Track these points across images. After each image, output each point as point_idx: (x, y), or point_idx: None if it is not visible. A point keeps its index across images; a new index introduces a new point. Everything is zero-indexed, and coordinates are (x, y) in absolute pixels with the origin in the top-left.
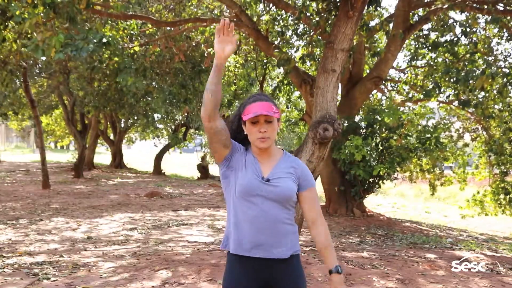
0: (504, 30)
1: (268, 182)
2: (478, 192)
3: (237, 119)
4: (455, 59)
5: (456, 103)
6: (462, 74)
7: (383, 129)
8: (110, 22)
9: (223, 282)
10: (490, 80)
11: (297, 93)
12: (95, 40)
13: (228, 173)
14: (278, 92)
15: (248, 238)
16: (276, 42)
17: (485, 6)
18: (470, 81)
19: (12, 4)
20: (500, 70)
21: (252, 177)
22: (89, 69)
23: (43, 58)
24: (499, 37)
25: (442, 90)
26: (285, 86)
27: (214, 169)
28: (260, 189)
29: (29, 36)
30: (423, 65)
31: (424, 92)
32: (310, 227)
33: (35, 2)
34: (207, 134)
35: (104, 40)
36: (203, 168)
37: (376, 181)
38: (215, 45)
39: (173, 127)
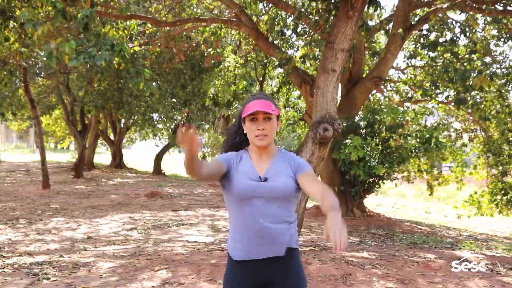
0: (504, 30)
1: (266, 181)
2: (475, 192)
3: (238, 120)
4: (454, 58)
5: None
6: (459, 73)
7: (383, 129)
8: (110, 22)
9: (223, 280)
10: (488, 80)
11: (296, 93)
12: (107, 47)
13: (225, 183)
14: (278, 93)
15: (248, 240)
16: (276, 42)
17: (485, 6)
18: (468, 80)
19: (13, 4)
20: (499, 70)
21: (248, 180)
22: (98, 73)
23: (45, 59)
24: (497, 39)
25: (440, 89)
26: (285, 86)
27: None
28: (257, 190)
29: (30, 36)
30: (422, 65)
31: (422, 92)
32: (320, 201)
33: (40, 5)
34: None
35: (116, 48)
36: None
37: (376, 181)
38: (182, 144)
39: (172, 126)
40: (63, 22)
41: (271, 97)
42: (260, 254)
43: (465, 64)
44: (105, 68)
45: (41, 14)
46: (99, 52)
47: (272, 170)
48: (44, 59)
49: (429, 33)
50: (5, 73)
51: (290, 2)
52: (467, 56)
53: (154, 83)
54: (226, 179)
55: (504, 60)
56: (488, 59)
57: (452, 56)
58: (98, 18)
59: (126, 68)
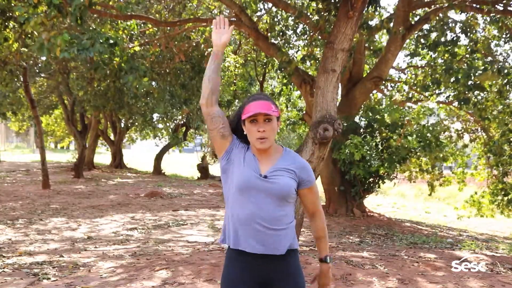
0: (504, 31)
1: (266, 179)
2: (475, 193)
3: (236, 119)
4: (454, 59)
5: (456, 103)
6: (464, 71)
7: (383, 129)
8: (110, 22)
9: (221, 278)
10: (496, 75)
11: (297, 93)
12: (100, 40)
13: (227, 167)
14: (280, 94)
15: (245, 233)
16: (276, 42)
17: (485, 6)
18: (471, 79)
19: (13, 4)
20: (499, 66)
21: (250, 173)
22: (92, 69)
23: (43, 58)
24: (498, 38)
25: (442, 89)
26: (287, 87)
27: (214, 169)
28: (257, 185)
29: (29, 36)
30: (423, 65)
31: (422, 87)
32: (310, 220)
33: (37, 2)
34: (206, 121)
35: (111, 41)
36: (203, 168)
37: (376, 181)
38: (213, 35)
39: (172, 126)
40: (58, 17)
41: (271, 98)
42: (254, 248)
43: (466, 63)
44: (99, 65)
45: (41, 14)
46: (93, 46)
47: (274, 169)
48: (36, 49)
49: (429, 33)
50: (6, 73)
51: (290, 2)
52: (468, 55)
53: (153, 83)
54: (230, 161)
55: (505, 59)
56: (490, 59)
57: (451, 57)
58: (97, 18)
59: (119, 65)
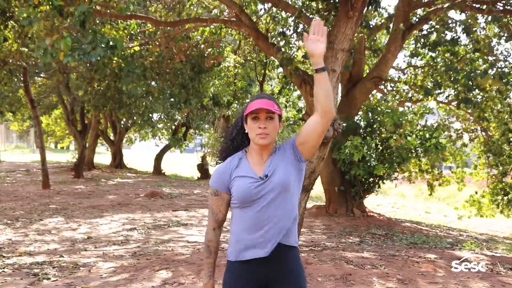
0: (504, 30)
1: (267, 178)
2: (476, 193)
3: (239, 119)
4: (454, 58)
5: (455, 103)
6: (464, 73)
7: (383, 129)
8: (110, 22)
9: (223, 279)
10: (497, 80)
11: (296, 93)
12: (102, 44)
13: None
14: (280, 93)
15: (254, 240)
16: (276, 42)
17: (485, 6)
18: (472, 81)
19: (13, 4)
20: (501, 69)
21: (248, 184)
22: (92, 70)
23: (39, 55)
24: (499, 37)
25: (442, 89)
26: (287, 87)
27: (214, 169)
28: (258, 191)
29: (29, 36)
30: (423, 65)
31: (424, 90)
32: (318, 110)
33: (37, 2)
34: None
35: (111, 43)
36: (203, 168)
37: (376, 181)
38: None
39: (173, 127)
40: (59, 19)
41: (274, 97)
42: (263, 252)
43: (467, 64)
44: (99, 67)
45: (42, 13)
46: (94, 50)
47: (271, 165)
48: (40, 55)
49: (429, 34)
50: (5, 73)
51: (290, 2)
52: (468, 56)
53: (153, 82)
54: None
55: (505, 59)
56: (491, 58)
57: (452, 56)
58: (97, 17)
59: (119, 67)
